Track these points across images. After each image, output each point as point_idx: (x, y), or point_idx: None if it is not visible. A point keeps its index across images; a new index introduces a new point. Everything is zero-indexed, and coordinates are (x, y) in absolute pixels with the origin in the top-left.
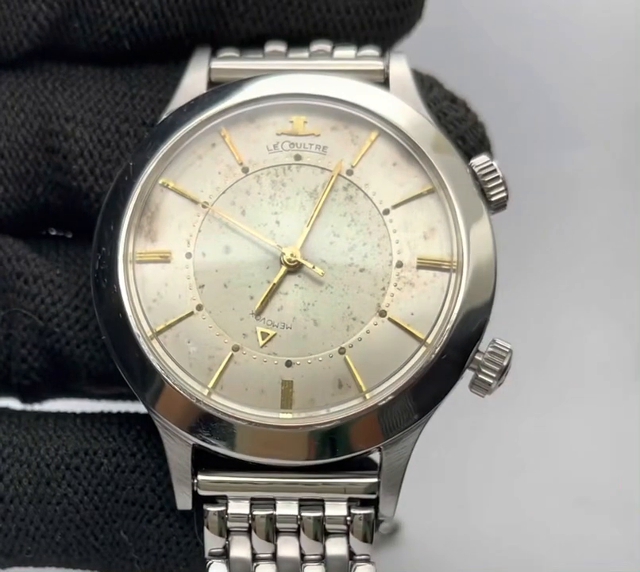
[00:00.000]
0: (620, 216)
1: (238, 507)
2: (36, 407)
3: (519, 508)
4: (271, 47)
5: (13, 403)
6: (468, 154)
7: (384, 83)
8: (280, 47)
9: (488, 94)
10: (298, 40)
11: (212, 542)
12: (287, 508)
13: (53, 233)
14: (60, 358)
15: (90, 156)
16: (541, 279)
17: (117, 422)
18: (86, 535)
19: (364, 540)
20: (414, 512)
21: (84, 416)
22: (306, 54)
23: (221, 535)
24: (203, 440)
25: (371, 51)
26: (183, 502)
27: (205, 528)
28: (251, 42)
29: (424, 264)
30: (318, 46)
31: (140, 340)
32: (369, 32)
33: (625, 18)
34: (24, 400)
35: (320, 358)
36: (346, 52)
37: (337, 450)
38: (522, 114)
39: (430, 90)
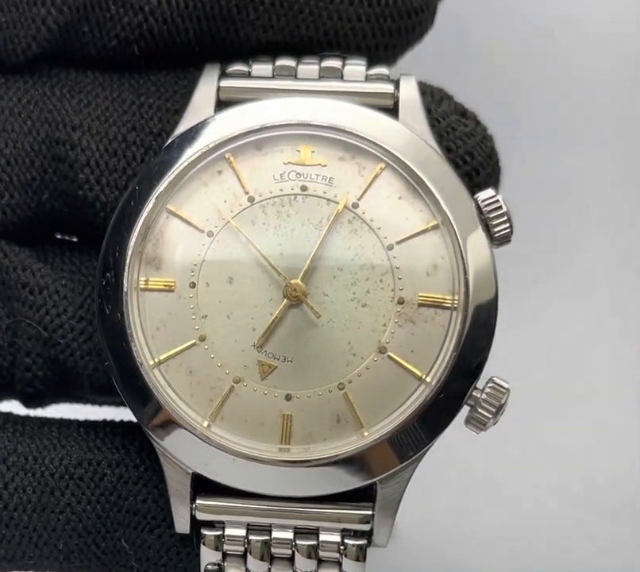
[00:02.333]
0: (620, 217)
1: (235, 531)
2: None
3: (519, 508)
4: (281, 61)
5: (16, 406)
6: (475, 170)
7: (394, 107)
8: (290, 62)
9: (488, 94)
10: (309, 48)
11: (208, 556)
12: (282, 534)
13: (58, 236)
14: (64, 368)
15: (96, 165)
16: (541, 279)
17: (121, 432)
18: (88, 543)
19: (357, 560)
20: (413, 511)
21: (88, 425)
22: (315, 73)
23: (217, 549)
24: (202, 470)
25: (381, 69)
26: (182, 526)
27: (201, 544)
28: (261, 50)
29: (425, 302)
30: (328, 63)
31: (142, 369)
32: (380, 40)
33: (625, 20)
34: (27, 405)
35: (319, 393)
36: (356, 70)
37: (332, 484)
38: (522, 114)
39: (440, 103)
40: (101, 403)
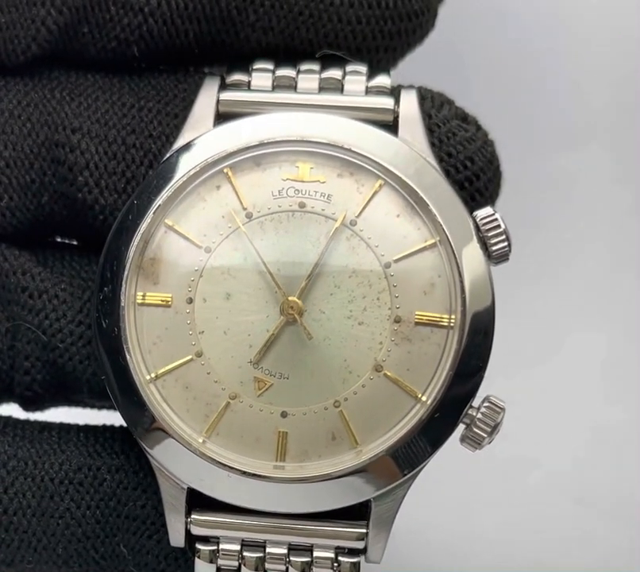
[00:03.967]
0: (619, 216)
1: (229, 546)
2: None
3: (519, 508)
4: (281, 71)
5: (16, 410)
6: (476, 175)
7: (393, 122)
8: (290, 72)
9: (488, 94)
10: (309, 50)
11: (203, 569)
12: (276, 549)
13: (58, 239)
14: (63, 372)
15: (95, 168)
16: (540, 279)
17: (121, 438)
18: (87, 548)
19: None
20: (413, 511)
21: (87, 430)
22: (315, 85)
23: (211, 562)
24: (197, 485)
25: (382, 80)
26: (176, 540)
27: (196, 558)
28: (261, 52)
29: (422, 321)
30: (329, 73)
31: (138, 384)
32: (381, 43)
33: (623, 19)
34: (26, 409)
35: (315, 410)
36: (357, 80)
37: (327, 501)
38: (522, 113)
39: (440, 108)
40: (99, 408)
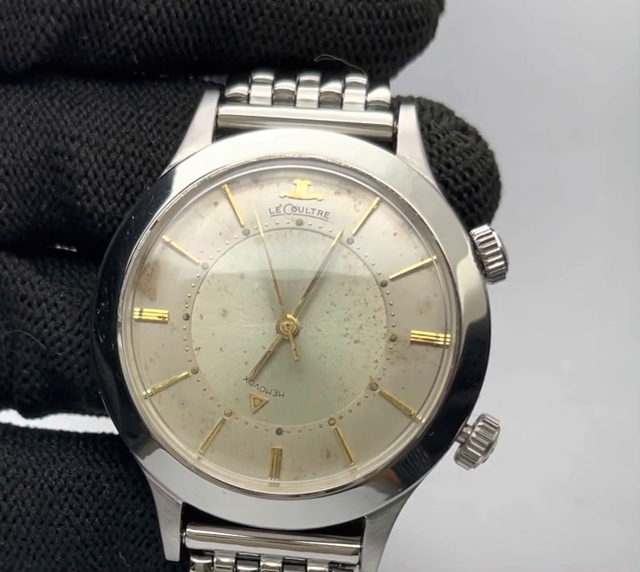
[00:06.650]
0: (618, 216)
1: (224, 559)
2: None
3: (519, 508)
4: (280, 85)
5: (15, 416)
6: (474, 186)
7: (392, 138)
8: (290, 84)
9: (488, 95)
10: (309, 59)
11: None
12: (270, 563)
13: (57, 247)
14: (61, 381)
15: (94, 176)
16: (539, 278)
17: (120, 447)
18: (86, 556)
19: None
20: (413, 511)
21: (86, 438)
22: (315, 99)
23: None
24: (192, 500)
25: (381, 93)
26: (171, 553)
27: (191, 571)
28: (261, 60)
29: (417, 340)
30: (328, 87)
31: (134, 400)
32: (380, 52)
33: (623, 20)
34: (25, 416)
35: (310, 428)
36: (356, 94)
37: (321, 518)
38: (522, 114)
39: (440, 119)
40: (98, 415)
